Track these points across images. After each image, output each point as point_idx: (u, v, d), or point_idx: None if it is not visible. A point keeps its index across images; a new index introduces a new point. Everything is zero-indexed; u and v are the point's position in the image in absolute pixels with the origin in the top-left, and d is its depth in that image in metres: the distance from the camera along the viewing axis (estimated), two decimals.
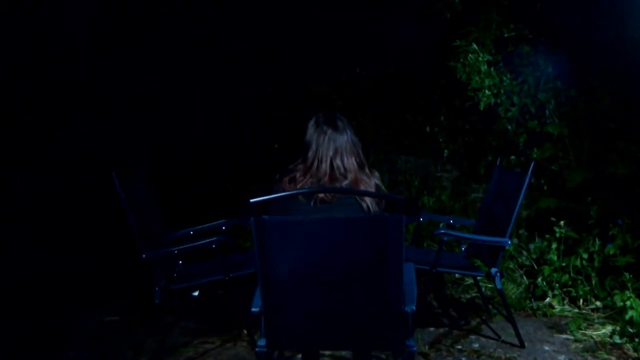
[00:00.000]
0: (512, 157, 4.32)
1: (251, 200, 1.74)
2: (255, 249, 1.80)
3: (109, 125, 5.03)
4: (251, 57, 6.41)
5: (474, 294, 3.73)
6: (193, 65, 5.81)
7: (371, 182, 2.17)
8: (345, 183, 2.11)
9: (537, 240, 3.82)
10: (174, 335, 3.15)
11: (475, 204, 5.19)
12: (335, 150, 2.14)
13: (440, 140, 5.28)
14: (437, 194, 5.34)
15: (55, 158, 4.72)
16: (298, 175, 2.13)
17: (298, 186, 2.10)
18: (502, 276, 2.87)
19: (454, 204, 5.18)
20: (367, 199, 2.12)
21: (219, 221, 3.14)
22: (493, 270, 2.85)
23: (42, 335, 3.21)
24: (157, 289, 2.70)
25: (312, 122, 2.20)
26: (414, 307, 1.90)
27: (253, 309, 1.92)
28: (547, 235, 3.70)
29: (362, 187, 2.13)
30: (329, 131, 2.15)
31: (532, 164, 2.86)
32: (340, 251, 1.82)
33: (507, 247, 2.98)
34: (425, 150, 5.48)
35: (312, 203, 2.07)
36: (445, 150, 5.23)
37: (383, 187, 2.21)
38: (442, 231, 2.78)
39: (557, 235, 3.51)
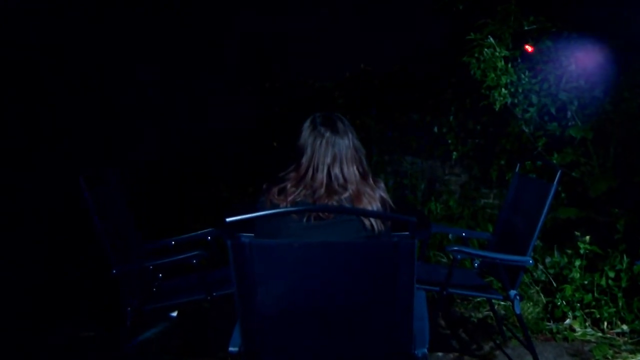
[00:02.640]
0: (527, 162, 3.99)
1: (227, 220, 1.40)
2: (233, 279, 1.46)
3: (94, 126, 4.81)
4: (249, 51, 6.13)
5: (486, 313, 3.40)
6: (184, 60, 5.54)
7: (376, 194, 1.83)
8: (344, 196, 1.77)
9: (555, 254, 3.48)
10: (153, 355, 2.83)
11: (485, 211, 4.87)
12: (334, 157, 1.80)
13: (449, 141, 4.96)
14: (444, 199, 5.02)
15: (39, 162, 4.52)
16: (289, 185, 1.79)
17: (289, 199, 1.77)
18: (521, 299, 2.53)
19: (462, 210, 4.87)
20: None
21: (205, 230, 2.81)
22: (512, 292, 2.51)
23: (11, 349, 2.92)
24: (128, 309, 2.36)
25: (307, 124, 1.86)
26: (426, 351, 1.57)
27: (231, 349, 1.59)
28: (569, 251, 3.36)
29: (365, 200, 1.79)
30: (327, 134, 1.81)
31: (559, 172, 2.51)
32: (337, 282, 1.49)
33: (528, 267, 2.63)
34: (433, 152, 5.15)
35: (304, 220, 1.73)
36: (454, 153, 4.90)
37: (390, 201, 1.87)
38: (455, 248, 2.43)
39: (582, 251, 3.16)
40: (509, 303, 2.62)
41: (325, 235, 1.71)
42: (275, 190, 1.80)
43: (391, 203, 1.87)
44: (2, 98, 4.36)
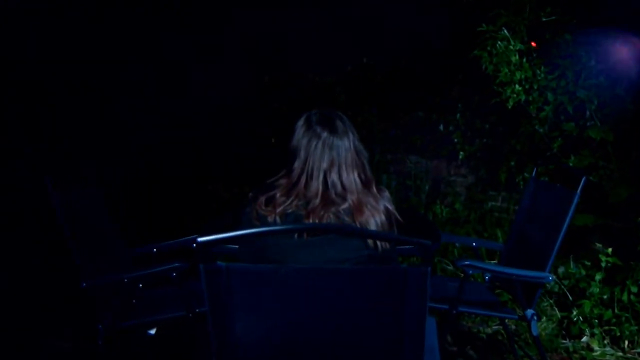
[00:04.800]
0: (545, 166, 3.74)
1: (199, 240, 1.14)
2: (207, 312, 1.21)
3: (93, 126, 4.67)
4: (248, 45, 5.91)
5: (496, 327, 3.15)
6: (176, 50, 5.34)
7: (379, 205, 1.57)
8: (343, 207, 1.51)
9: (571, 265, 3.22)
10: None
11: (493, 214, 4.62)
12: (332, 162, 1.54)
13: (455, 140, 4.69)
14: (450, 201, 4.76)
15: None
16: (278, 194, 1.53)
17: (278, 210, 1.51)
18: (539, 319, 2.28)
19: (469, 214, 4.61)
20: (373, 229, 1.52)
21: (190, 237, 2.55)
22: (529, 312, 2.25)
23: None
24: (100, 327, 2.11)
25: (301, 122, 1.60)
26: None
27: None
28: (587, 262, 3.10)
29: (367, 213, 1.53)
30: (324, 135, 1.55)
31: (584, 179, 2.26)
32: (333, 316, 1.23)
33: (547, 284, 2.37)
34: (438, 152, 4.89)
35: (296, 235, 1.47)
36: (461, 153, 4.63)
37: (395, 213, 1.61)
38: (467, 262, 2.18)
39: (603, 264, 2.90)
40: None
41: (321, 255, 1.46)
42: (262, 199, 1.54)
43: (397, 215, 1.61)
44: (2, 98, 4.24)
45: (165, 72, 5.36)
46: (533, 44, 3.44)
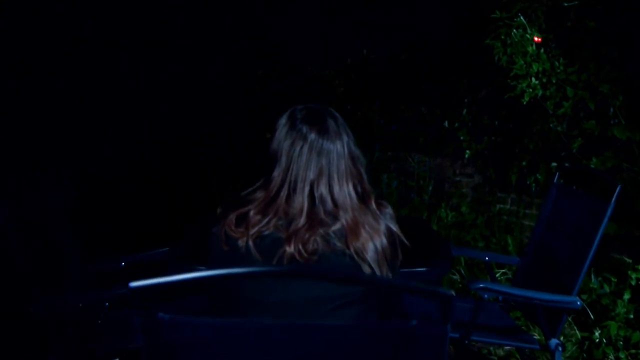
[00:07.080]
0: (553, 164, 3.45)
1: (132, 285, 0.83)
2: None
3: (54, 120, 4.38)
4: (240, 33, 5.61)
5: (508, 347, 2.84)
6: (161, 41, 5.06)
7: (380, 225, 1.24)
8: (335, 229, 1.19)
9: (592, 280, 2.91)
10: None
11: (501, 217, 4.30)
12: (320, 171, 1.22)
13: (461, 138, 4.37)
14: (455, 203, 4.44)
15: None
16: (253, 211, 1.21)
17: (251, 232, 1.19)
18: (563, 349, 1.96)
19: (475, 216, 4.29)
20: (371, 259, 1.20)
21: (162, 249, 2.23)
22: (553, 342, 1.94)
23: None
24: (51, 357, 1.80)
25: (283, 120, 1.28)
26: None
27: None
28: (613, 278, 2.79)
29: (364, 235, 1.21)
30: (312, 136, 1.23)
31: (619, 187, 1.94)
32: None
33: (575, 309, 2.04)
34: (442, 150, 4.56)
35: (274, 262, 1.15)
36: (467, 151, 4.30)
37: (399, 233, 1.29)
38: (482, 285, 1.86)
39: (633, 282, 2.59)
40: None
41: (304, 291, 1.14)
42: (232, 218, 1.22)
43: (402, 237, 1.29)
44: None
45: (154, 64, 5.07)
46: (537, 39, 3.11)
